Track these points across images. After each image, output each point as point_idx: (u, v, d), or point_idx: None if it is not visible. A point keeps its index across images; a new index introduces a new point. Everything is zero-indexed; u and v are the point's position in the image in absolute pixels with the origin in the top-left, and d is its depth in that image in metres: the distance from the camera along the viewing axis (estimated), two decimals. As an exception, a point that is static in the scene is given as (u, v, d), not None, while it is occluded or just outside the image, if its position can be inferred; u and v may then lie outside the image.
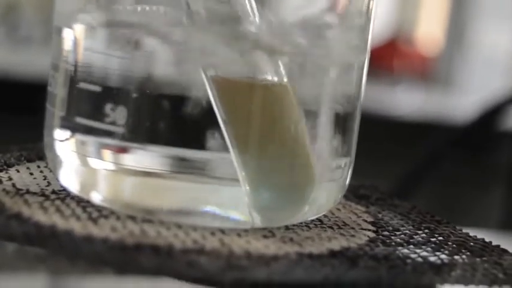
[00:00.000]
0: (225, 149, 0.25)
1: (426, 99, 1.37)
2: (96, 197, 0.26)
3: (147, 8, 0.26)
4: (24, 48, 1.19)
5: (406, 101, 1.27)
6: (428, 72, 1.47)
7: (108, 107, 0.25)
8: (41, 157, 0.31)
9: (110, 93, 0.26)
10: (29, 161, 0.32)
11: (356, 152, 0.29)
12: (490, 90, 0.98)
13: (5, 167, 0.30)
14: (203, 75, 0.25)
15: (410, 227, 0.29)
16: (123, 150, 0.26)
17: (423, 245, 0.27)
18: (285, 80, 0.26)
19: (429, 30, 1.53)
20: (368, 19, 0.29)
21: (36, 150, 0.32)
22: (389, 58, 1.40)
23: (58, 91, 0.27)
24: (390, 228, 0.28)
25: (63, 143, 0.27)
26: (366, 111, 0.30)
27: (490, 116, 0.81)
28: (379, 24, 1.41)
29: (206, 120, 0.25)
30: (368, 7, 0.28)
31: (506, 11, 1.42)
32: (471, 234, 0.29)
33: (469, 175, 1.07)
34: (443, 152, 0.82)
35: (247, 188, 0.26)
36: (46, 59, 0.28)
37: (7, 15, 1.23)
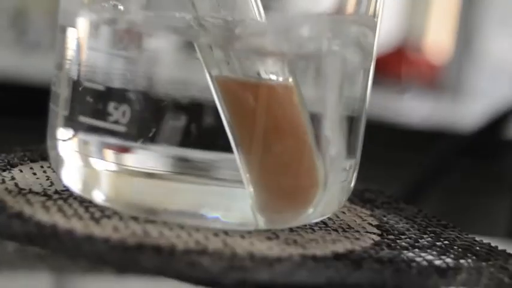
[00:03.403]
0: (229, 150, 0.25)
1: (434, 107, 1.37)
2: (98, 197, 0.26)
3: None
4: (32, 53, 1.19)
5: (414, 109, 1.27)
6: (436, 80, 1.46)
7: (111, 106, 0.25)
8: (45, 157, 0.31)
9: (114, 93, 0.25)
10: (32, 161, 0.31)
11: (363, 159, 0.29)
12: (498, 98, 0.98)
13: (8, 167, 0.30)
14: (207, 76, 0.25)
15: (416, 231, 0.28)
16: (125, 150, 0.26)
17: (428, 248, 0.26)
18: (290, 80, 0.26)
19: (437, 38, 1.53)
20: (375, 22, 0.28)
21: (40, 151, 0.32)
22: (398, 66, 1.40)
23: (61, 90, 0.27)
24: (395, 231, 0.28)
25: (66, 143, 0.27)
26: (373, 119, 0.29)
27: (498, 124, 0.81)
28: (388, 31, 1.41)
29: (210, 120, 0.25)
30: (375, 10, 0.28)
31: (515, 19, 1.42)
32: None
33: (476, 183, 1.06)
34: (451, 160, 0.81)
35: (251, 189, 0.25)
36: (54, 64, 0.28)
37: (16, 20, 1.23)
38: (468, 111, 1.23)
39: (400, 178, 0.78)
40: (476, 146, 0.81)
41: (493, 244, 0.28)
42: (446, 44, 1.48)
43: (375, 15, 0.28)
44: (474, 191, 1.11)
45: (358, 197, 0.32)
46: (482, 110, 0.89)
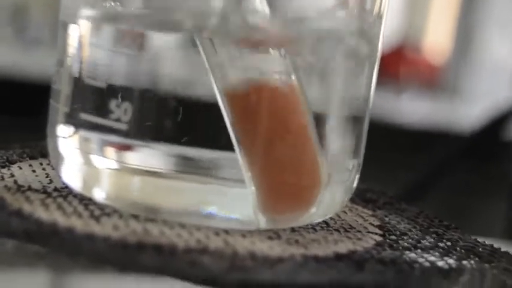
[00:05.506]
0: (231, 149, 0.25)
1: (433, 107, 1.36)
2: (98, 195, 0.26)
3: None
4: (32, 50, 1.19)
5: (413, 109, 1.27)
6: (435, 80, 1.46)
7: (113, 104, 0.25)
8: (44, 154, 0.31)
9: (115, 90, 0.25)
10: (32, 158, 0.31)
11: (362, 159, 0.29)
12: (497, 99, 0.98)
13: (7, 163, 0.30)
14: (210, 74, 0.25)
15: (418, 232, 0.28)
16: (127, 148, 0.25)
17: (431, 249, 0.26)
18: (293, 79, 0.26)
19: (437, 38, 1.53)
20: (379, 20, 0.28)
21: (39, 147, 0.32)
22: (396, 66, 1.40)
23: (63, 87, 0.27)
24: (397, 232, 0.28)
25: (67, 140, 0.27)
26: (371, 119, 0.29)
27: (497, 125, 0.80)
28: (387, 31, 1.41)
29: (212, 119, 0.25)
30: (380, 8, 0.28)
31: (514, 20, 1.42)
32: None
33: (474, 184, 1.06)
34: (449, 161, 0.81)
35: (253, 188, 0.25)
36: (54, 61, 0.28)
37: (15, 16, 1.23)
38: (466, 112, 1.23)
39: (398, 178, 0.78)
40: (476, 147, 0.81)
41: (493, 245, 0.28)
42: (446, 45, 1.48)
43: (380, 12, 0.28)
44: (473, 191, 1.11)
45: (360, 197, 0.32)
46: (481, 111, 0.89)
